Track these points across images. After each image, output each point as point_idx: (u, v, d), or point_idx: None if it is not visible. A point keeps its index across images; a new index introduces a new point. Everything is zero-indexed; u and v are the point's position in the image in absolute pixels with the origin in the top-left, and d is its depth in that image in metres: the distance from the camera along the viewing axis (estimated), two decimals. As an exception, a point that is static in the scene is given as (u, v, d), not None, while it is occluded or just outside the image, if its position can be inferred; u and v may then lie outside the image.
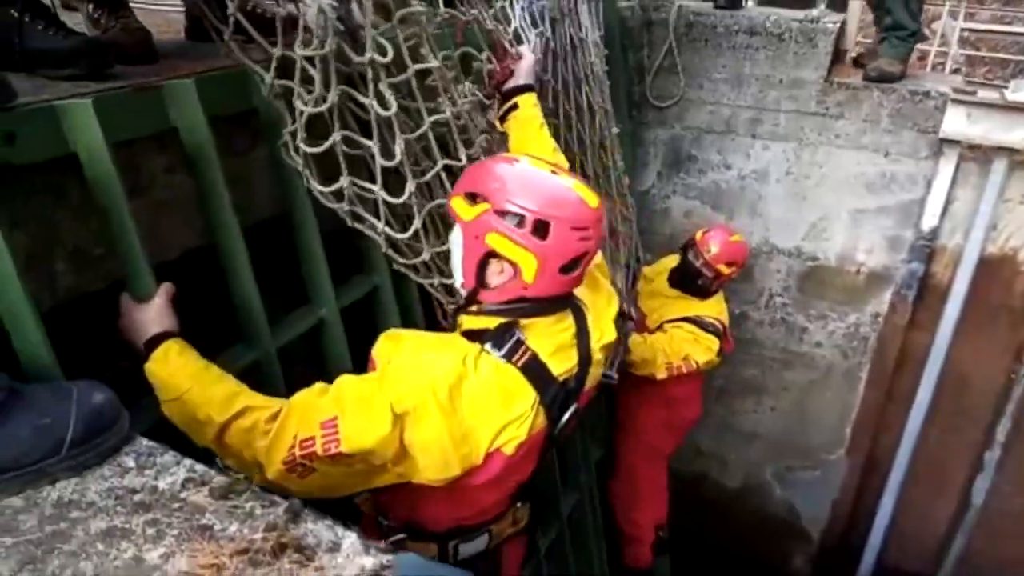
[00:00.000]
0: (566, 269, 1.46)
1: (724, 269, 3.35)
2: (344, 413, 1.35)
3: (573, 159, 2.55)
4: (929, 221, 3.52)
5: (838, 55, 3.57)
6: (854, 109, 3.46)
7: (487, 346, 1.46)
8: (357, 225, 1.83)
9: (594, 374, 1.65)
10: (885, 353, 3.84)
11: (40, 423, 0.94)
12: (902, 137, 3.43)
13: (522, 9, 2.33)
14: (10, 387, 0.95)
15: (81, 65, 1.53)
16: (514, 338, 1.47)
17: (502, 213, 1.43)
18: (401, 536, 1.61)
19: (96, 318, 1.53)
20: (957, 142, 3.33)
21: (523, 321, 1.49)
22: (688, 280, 3.43)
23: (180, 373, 1.37)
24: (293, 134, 1.66)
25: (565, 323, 1.56)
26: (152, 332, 1.41)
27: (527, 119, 2.11)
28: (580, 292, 1.63)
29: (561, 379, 1.52)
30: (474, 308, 1.54)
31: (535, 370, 1.47)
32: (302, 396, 1.42)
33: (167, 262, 1.64)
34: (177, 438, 1.31)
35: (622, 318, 2.83)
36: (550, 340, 1.52)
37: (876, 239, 3.65)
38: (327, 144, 1.66)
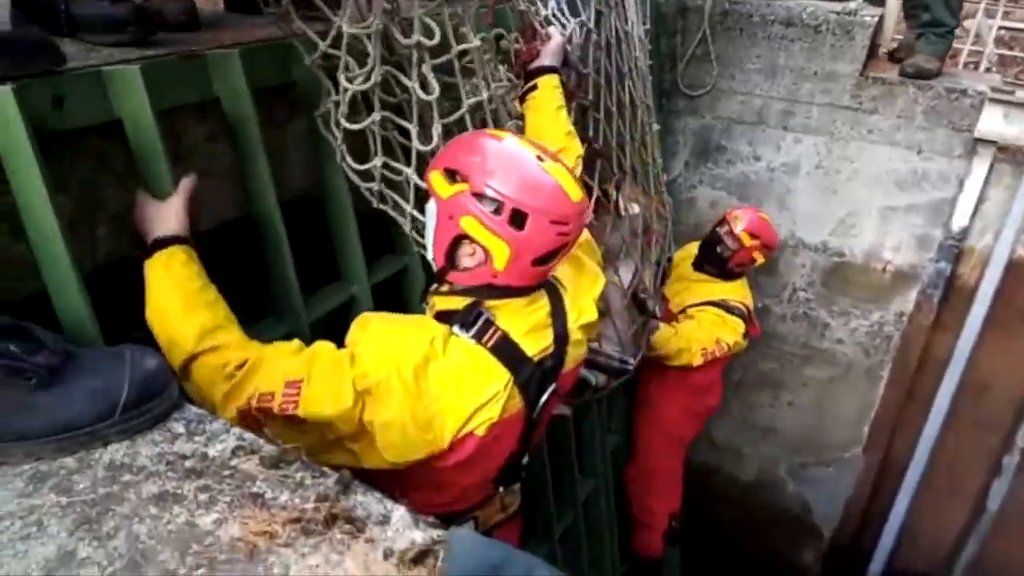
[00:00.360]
0: (540, 262, 1.42)
1: (747, 239, 3.34)
2: (311, 378, 1.31)
3: (611, 154, 2.53)
4: (959, 221, 3.47)
5: (874, 49, 3.52)
6: (888, 105, 3.42)
7: (455, 328, 1.42)
8: (382, 206, 1.82)
9: (573, 354, 1.61)
10: (908, 353, 3.81)
11: (94, 386, 0.94)
12: (936, 135, 3.39)
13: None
14: (66, 351, 0.95)
15: (127, 32, 1.52)
16: (483, 319, 1.43)
17: (479, 196, 1.37)
18: None
19: (129, 284, 1.53)
20: (992, 142, 3.28)
21: (491, 302, 1.46)
22: (710, 251, 3.43)
23: (177, 286, 1.33)
24: (336, 104, 1.66)
25: (538, 303, 1.53)
26: (161, 232, 1.37)
27: (544, 101, 2.06)
28: (558, 270, 1.59)
29: (536, 359, 1.49)
30: (445, 288, 1.51)
31: (506, 350, 1.43)
32: (274, 349, 1.38)
33: (203, 231, 1.63)
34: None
35: (645, 315, 2.82)
36: (522, 320, 1.48)
37: (904, 237, 3.61)
38: (367, 121, 1.66)
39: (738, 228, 3.35)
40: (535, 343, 1.49)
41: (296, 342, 1.42)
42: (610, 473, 3.58)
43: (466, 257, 1.44)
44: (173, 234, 1.37)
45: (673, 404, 3.51)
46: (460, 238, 1.42)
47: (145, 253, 1.37)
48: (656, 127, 2.87)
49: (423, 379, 1.34)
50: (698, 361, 3.22)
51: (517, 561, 0.77)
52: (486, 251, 1.40)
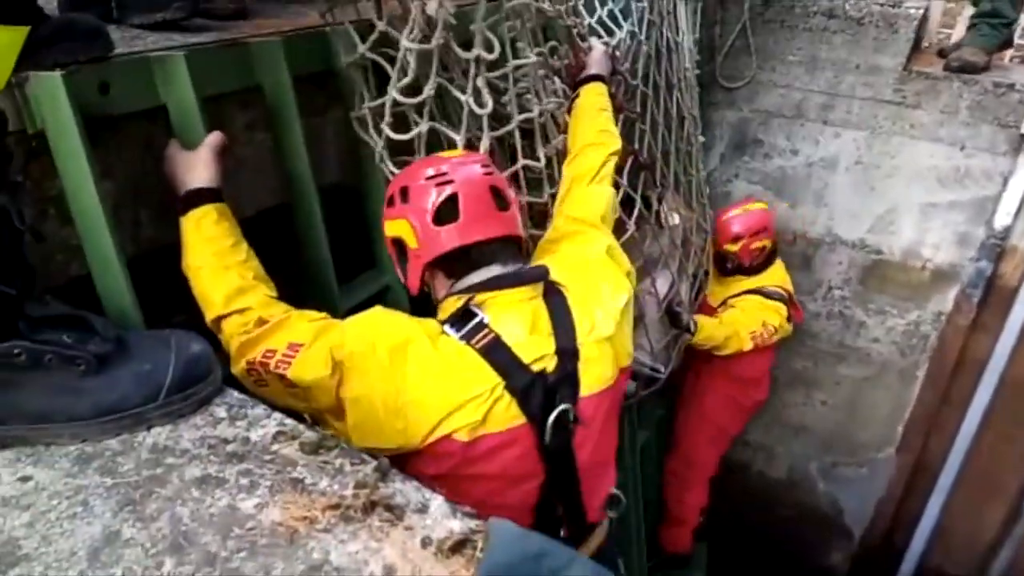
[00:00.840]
0: (441, 219, 1.40)
1: (733, 247, 3.34)
2: (311, 345, 1.32)
3: (655, 165, 2.51)
4: (1002, 219, 3.39)
5: (918, 43, 3.44)
6: (932, 100, 3.34)
7: (445, 327, 1.37)
8: None
9: (594, 374, 1.45)
10: (945, 353, 3.74)
11: (140, 370, 0.95)
12: (980, 131, 3.30)
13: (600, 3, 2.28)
14: (118, 336, 0.97)
15: (171, 9, 1.54)
16: (475, 319, 1.37)
17: (387, 205, 1.50)
18: None
19: (171, 268, 1.55)
20: (1040, 139, 3.20)
21: (481, 296, 1.40)
22: (723, 267, 3.47)
23: (209, 244, 1.38)
24: (378, 113, 1.65)
25: (533, 303, 1.43)
26: (194, 184, 1.39)
27: (583, 107, 2.03)
28: (564, 276, 1.50)
29: (535, 369, 1.37)
30: (442, 301, 1.47)
31: (497, 352, 1.34)
32: (298, 315, 1.40)
33: (242, 219, 1.65)
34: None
35: (678, 327, 2.80)
36: (516, 322, 1.39)
37: (945, 235, 3.53)
38: (412, 134, 1.64)
39: (722, 245, 3.38)
40: (530, 349, 1.38)
41: (323, 314, 1.43)
42: (638, 468, 3.57)
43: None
44: (203, 185, 1.39)
45: (720, 396, 3.49)
46: (393, 246, 1.50)
47: (180, 207, 1.40)
48: (702, 139, 2.84)
49: (399, 362, 1.30)
50: (748, 346, 3.20)
51: (556, 553, 0.77)
52: (403, 240, 1.46)
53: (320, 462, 0.93)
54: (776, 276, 3.45)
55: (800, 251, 3.84)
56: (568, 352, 1.42)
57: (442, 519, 0.88)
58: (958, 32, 3.92)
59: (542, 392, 1.36)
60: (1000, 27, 3.26)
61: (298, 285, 1.83)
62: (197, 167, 1.40)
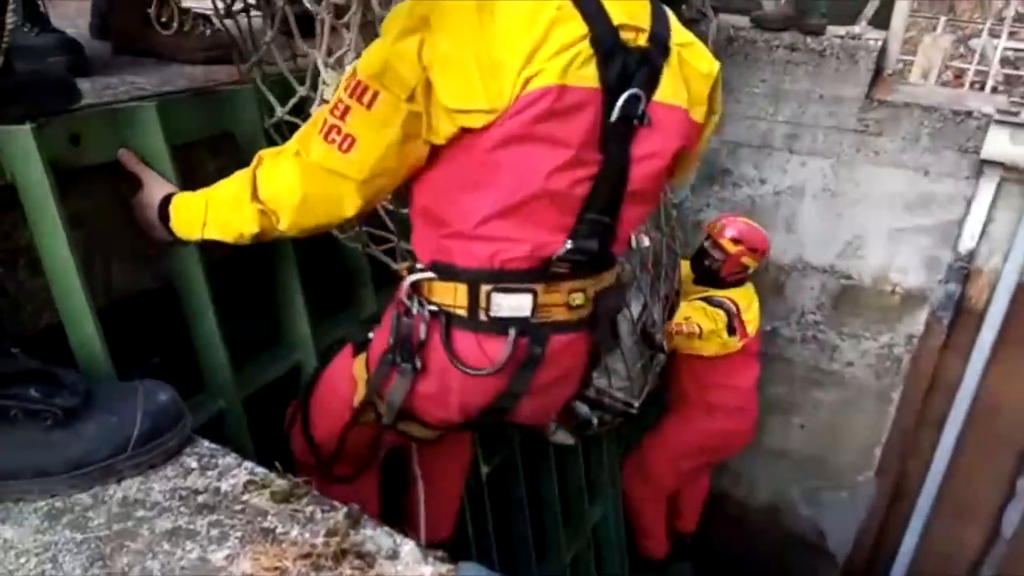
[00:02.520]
0: None
1: (731, 247, 3.31)
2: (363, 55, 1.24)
3: None
4: (967, 243, 3.47)
5: (879, 72, 3.54)
6: (894, 127, 3.43)
7: None
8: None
9: (675, 88, 1.31)
10: (918, 375, 3.79)
11: (108, 421, 0.96)
12: (942, 156, 3.39)
13: None
14: (87, 390, 0.97)
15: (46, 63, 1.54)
16: None
17: None
18: (428, 275, 1.30)
19: (143, 318, 1.56)
20: (999, 163, 3.28)
21: None
22: (699, 266, 3.43)
23: (203, 200, 1.36)
24: None
25: None
26: (159, 198, 1.39)
27: None
28: None
29: (624, 38, 1.23)
30: None
31: (588, 5, 1.20)
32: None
33: (216, 262, 1.66)
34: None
35: (653, 349, 2.82)
36: None
37: (913, 259, 3.61)
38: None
39: (721, 237, 3.34)
40: (624, 13, 1.24)
41: None
42: (619, 491, 3.59)
43: None
44: (167, 192, 1.40)
45: (686, 418, 3.52)
46: None
47: (161, 221, 1.39)
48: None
49: (487, 17, 1.17)
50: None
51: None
52: None
53: (291, 510, 0.93)
54: (736, 294, 3.39)
55: (772, 278, 3.90)
56: (660, 41, 1.29)
57: (413, 564, 0.88)
58: (919, 60, 4.04)
59: (622, 64, 1.23)
60: None
61: (271, 322, 1.84)
62: (154, 188, 1.41)
